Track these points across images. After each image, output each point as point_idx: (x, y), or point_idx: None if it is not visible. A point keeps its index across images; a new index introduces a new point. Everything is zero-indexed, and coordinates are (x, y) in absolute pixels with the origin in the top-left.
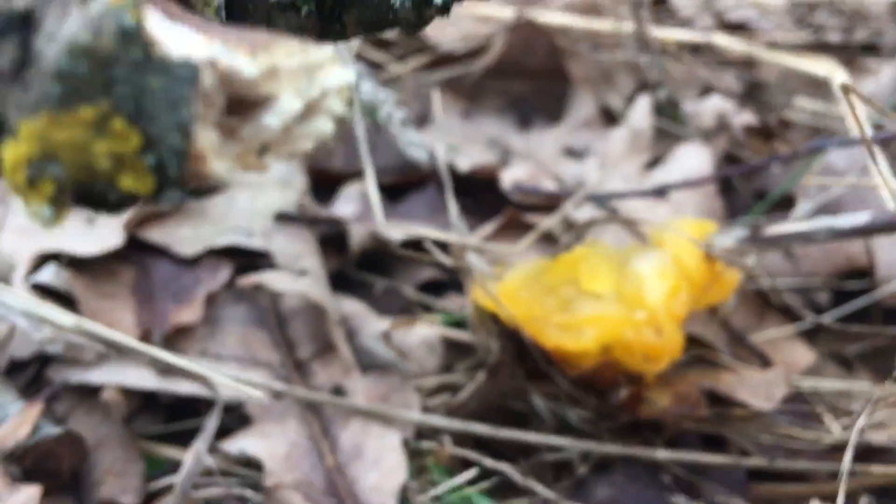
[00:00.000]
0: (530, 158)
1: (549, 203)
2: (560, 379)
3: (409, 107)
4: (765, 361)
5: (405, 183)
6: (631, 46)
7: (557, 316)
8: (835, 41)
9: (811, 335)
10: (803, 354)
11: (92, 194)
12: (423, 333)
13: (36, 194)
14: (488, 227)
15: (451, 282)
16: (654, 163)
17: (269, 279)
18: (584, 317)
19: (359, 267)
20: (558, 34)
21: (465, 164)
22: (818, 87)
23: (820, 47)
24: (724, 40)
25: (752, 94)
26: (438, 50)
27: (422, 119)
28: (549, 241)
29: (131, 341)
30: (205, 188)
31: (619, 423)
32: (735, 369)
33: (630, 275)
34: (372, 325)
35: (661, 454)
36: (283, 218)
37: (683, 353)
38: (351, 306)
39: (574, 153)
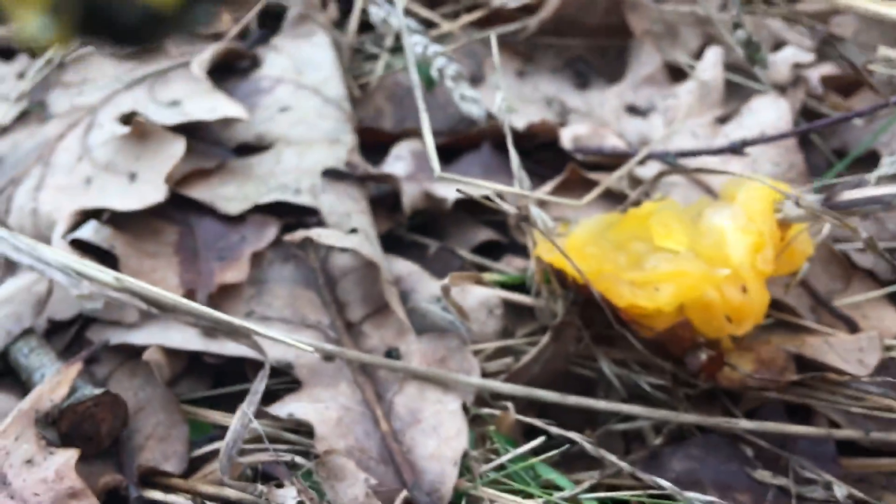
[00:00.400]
0: (591, 117)
1: (613, 161)
2: (632, 341)
3: (462, 65)
4: (852, 327)
5: (458, 143)
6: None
7: (629, 272)
8: None
9: None
10: (894, 320)
11: (102, 13)
12: (482, 295)
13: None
14: (549, 186)
15: (508, 244)
16: (726, 118)
17: (318, 233)
18: (660, 273)
19: (411, 229)
20: None
21: (521, 122)
22: None
23: None
24: None
25: (826, 48)
26: (491, 5)
27: (475, 79)
28: (614, 199)
29: (174, 297)
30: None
31: (695, 390)
32: (822, 334)
33: (707, 230)
34: (427, 286)
35: (744, 424)
36: (331, 175)
37: (764, 316)
38: (404, 267)
39: (637, 111)
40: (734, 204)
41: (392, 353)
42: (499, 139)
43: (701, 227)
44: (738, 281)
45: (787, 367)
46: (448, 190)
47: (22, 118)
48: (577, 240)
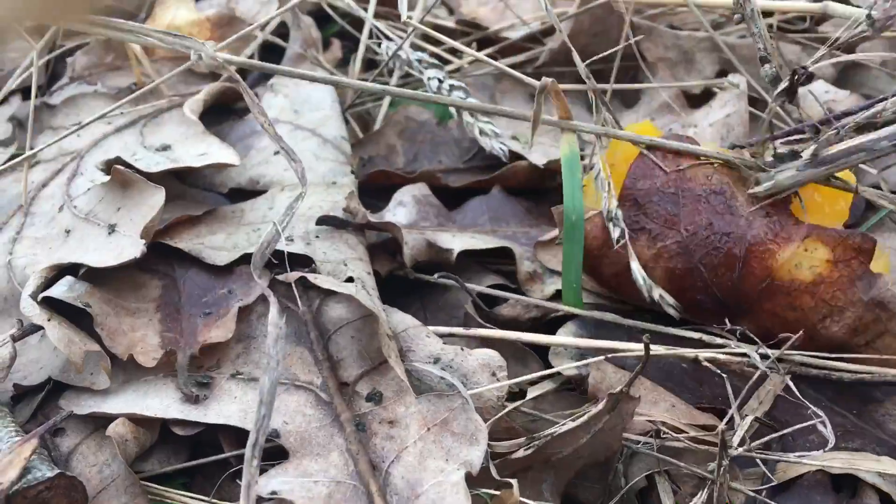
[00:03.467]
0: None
1: None
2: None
3: (476, 98)
4: None
5: (470, 185)
6: (712, 25)
7: None
8: None
9: None
10: None
11: None
12: (483, 356)
13: None
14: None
15: (515, 292)
16: None
17: (315, 277)
18: None
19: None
20: (632, 13)
21: (540, 158)
22: None
23: None
24: (840, 8)
25: (849, 76)
26: (501, 37)
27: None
28: None
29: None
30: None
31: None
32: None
33: None
34: (425, 344)
35: None
36: (327, 222)
37: None
38: (401, 321)
39: None
40: None
41: (374, 397)
42: (509, 183)
43: None
44: None
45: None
46: (453, 241)
47: (11, 163)
48: None
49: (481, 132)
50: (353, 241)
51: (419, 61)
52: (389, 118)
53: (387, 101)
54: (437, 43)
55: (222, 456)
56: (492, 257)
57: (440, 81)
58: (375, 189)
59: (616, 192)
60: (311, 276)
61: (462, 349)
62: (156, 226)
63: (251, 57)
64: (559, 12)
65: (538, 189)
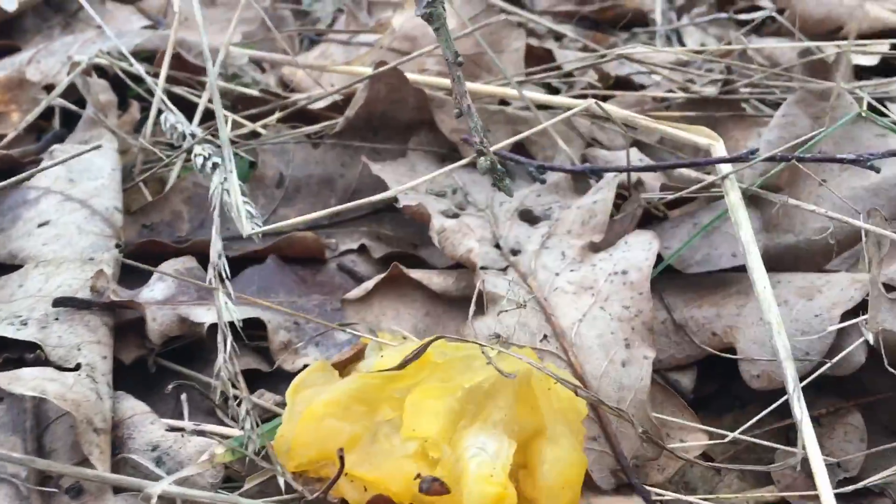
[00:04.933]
0: (485, 213)
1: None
2: None
3: (269, 164)
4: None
5: (246, 255)
6: (511, 99)
7: (366, 446)
8: (721, 96)
9: None
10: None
11: None
12: (202, 443)
13: None
14: (371, 283)
15: (272, 373)
16: (600, 247)
17: (8, 378)
18: (367, 476)
19: (166, 355)
20: (428, 85)
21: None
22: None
23: (707, 103)
24: (610, 107)
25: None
26: (299, 104)
27: (280, 182)
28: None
29: None
30: None
31: None
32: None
33: (460, 444)
34: (147, 432)
35: None
36: (66, 303)
37: None
38: (130, 407)
39: (531, 216)
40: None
41: (72, 491)
42: (286, 252)
43: (458, 432)
44: None
45: None
46: (207, 314)
47: None
48: (320, 409)
49: (238, 213)
50: (95, 323)
51: (192, 135)
52: (176, 184)
53: (178, 166)
54: (240, 102)
55: None
56: (252, 329)
57: (205, 158)
58: (152, 257)
59: None
60: (3, 381)
61: (183, 436)
62: None
63: (51, 118)
64: (355, 82)
65: (316, 259)
